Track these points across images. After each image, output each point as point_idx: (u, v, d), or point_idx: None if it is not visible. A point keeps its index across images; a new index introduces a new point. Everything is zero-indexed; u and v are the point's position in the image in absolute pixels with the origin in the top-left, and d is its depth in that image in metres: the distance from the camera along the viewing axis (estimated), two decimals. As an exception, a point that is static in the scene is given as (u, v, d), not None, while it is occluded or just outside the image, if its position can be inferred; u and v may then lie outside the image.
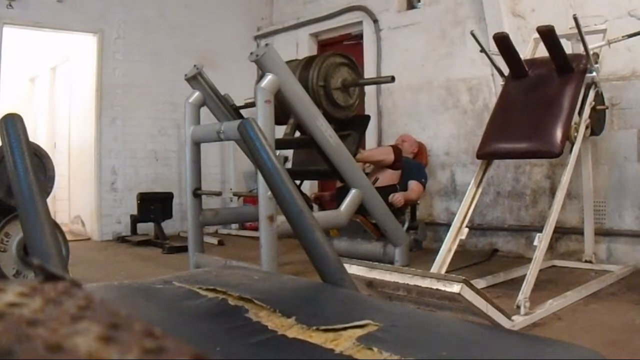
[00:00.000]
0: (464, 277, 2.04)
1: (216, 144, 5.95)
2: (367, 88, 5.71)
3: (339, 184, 4.33)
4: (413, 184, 4.44)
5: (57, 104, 7.21)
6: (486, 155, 3.33)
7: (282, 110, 3.41)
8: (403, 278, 2.13)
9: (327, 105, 3.61)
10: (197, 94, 3.87)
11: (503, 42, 3.29)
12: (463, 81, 4.91)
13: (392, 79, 3.75)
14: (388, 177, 4.37)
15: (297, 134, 3.77)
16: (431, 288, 2.03)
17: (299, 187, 4.28)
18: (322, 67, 3.62)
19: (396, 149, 4.45)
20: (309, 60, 3.72)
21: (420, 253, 4.41)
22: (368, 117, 4.25)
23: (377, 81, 3.94)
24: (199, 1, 6.40)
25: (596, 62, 3.35)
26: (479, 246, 4.72)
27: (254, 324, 0.93)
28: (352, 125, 3.90)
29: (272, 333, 0.89)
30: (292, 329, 0.89)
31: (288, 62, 3.84)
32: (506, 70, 3.54)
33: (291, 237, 3.32)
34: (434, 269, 2.94)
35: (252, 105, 3.65)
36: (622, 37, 3.47)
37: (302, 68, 3.67)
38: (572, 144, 3.18)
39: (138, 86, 5.94)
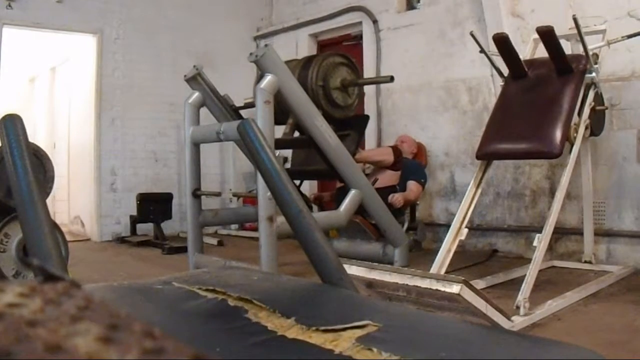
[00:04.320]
0: (463, 278, 2.04)
1: (215, 145, 5.95)
2: (366, 88, 5.71)
3: (338, 185, 4.33)
4: (412, 185, 4.43)
5: (57, 105, 7.21)
6: (486, 155, 3.33)
7: (281, 110, 3.41)
8: (402, 278, 2.13)
9: (326, 105, 3.60)
10: (196, 94, 3.88)
11: (502, 42, 3.29)
12: (462, 82, 4.91)
13: (392, 78, 3.75)
14: (387, 177, 4.37)
15: (296, 134, 3.76)
16: (431, 288, 2.03)
17: (298, 187, 4.28)
18: (321, 67, 3.60)
19: (396, 150, 4.44)
20: (308, 60, 3.71)
21: (420, 253, 4.41)
22: (367, 117, 4.24)
23: (376, 81, 3.92)
24: (198, 2, 6.40)
25: (596, 63, 3.35)
26: (479, 247, 4.72)
27: (254, 325, 0.93)
28: (351, 125, 3.90)
29: (271, 333, 0.89)
30: (291, 330, 0.89)
31: (287, 62, 3.83)
32: (506, 71, 3.54)
33: (291, 238, 3.31)
34: (433, 270, 2.94)
35: (251, 105, 3.65)
36: (622, 37, 3.48)
37: (302, 68, 3.66)
38: (572, 145, 3.18)
39: (137, 87, 5.94)
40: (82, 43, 5.96)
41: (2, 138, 1.17)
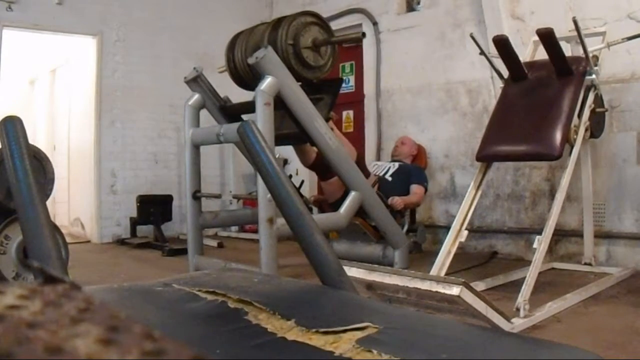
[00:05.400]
0: (463, 280, 2.04)
1: (216, 147, 5.95)
2: (366, 90, 5.73)
3: (331, 200, 4.27)
4: (415, 188, 4.43)
5: (57, 107, 7.21)
6: (485, 157, 3.33)
7: (254, 75, 3.35)
8: (402, 280, 2.13)
9: (296, 65, 3.48)
10: (196, 96, 3.88)
11: (502, 44, 3.29)
12: (462, 84, 4.91)
13: (363, 35, 3.68)
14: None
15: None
16: (431, 290, 2.03)
17: (298, 189, 4.28)
18: (291, 26, 3.47)
19: (360, 155, 4.25)
20: (279, 20, 3.59)
21: (420, 255, 4.41)
22: (341, 80, 4.12)
23: (347, 38, 3.79)
24: (198, 3, 6.41)
25: (595, 65, 3.35)
26: (479, 249, 4.71)
27: (254, 327, 0.93)
28: (324, 88, 3.80)
29: (271, 335, 0.89)
30: (291, 332, 0.89)
31: (257, 25, 3.79)
32: (506, 73, 3.54)
33: (291, 240, 3.31)
34: (433, 272, 2.94)
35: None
36: (622, 39, 3.48)
37: (272, 28, 3.54)
38: (572, 147, 3.18)
39: (137, 88, 5.94)
40: (82, 45, 5.96)
41: (2, 140, 1.17)
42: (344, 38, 3.78)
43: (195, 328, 0.95)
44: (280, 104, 3.32)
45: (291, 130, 3.59)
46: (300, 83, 3.50)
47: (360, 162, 4.19)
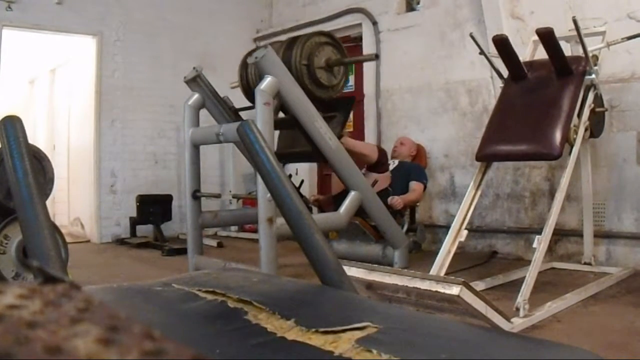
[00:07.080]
0: (463, 279, 2.04)
1: (215, 146, 5.95)
2: (366, 89, 5.73)
3: (334, 192, 4.30)
4: (414, 185, 4.43)
5: (57, 106, 7.21)
6: (485, 157, 3.33)
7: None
8: (402, 280, 2.13)
9: (310, 85, 3.52)
10: (196, 96, 3.88)
11: (502, 44, 3.29)
12: (462, 83, 4.91)
13: (376, 56, 3.71)
14: (380, 180, 4.35)
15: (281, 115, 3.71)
16: (430, 290, 2.03)
17: (298, 189, 4.28)
18: (305, 46, 3.52)
19: (381, 151, 4.41)
20: (293, 40, 3.63)
21: (420, 255, 4.41)
22: (353, 99, 4.17)
23: (361, 59, 3.82)
24: (198, 4, 6.41)
25: (595, 65, 3.35)
26: (478, 248, 4.71)
27: (254, 326, 0.93)
28: (336, 106, 3.85)
29: (271, 335, 0.89)
30: (291, 331, 0.89)
31: (271, 44, 3.81)
32: (505, 73, 3.54)
33: (290, 240, 3.30)
34: (433, 271, 2.94)
35: (250, 108, 3.63)
36: (622, 39, 3.48)
37: (286, 47, 3.58)
38: (571, 146, 3.18)
39: (137, 88, 5.94)
40: (82, 45, 5.96)
41: (1, 140, 1.17)
42: (357, 59, 3.82)
43: (194, 328, 0.95)
44: (293, 122, 3.34)
45: (303, 149, 3.61)
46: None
47: (384, 158, 4.43)
